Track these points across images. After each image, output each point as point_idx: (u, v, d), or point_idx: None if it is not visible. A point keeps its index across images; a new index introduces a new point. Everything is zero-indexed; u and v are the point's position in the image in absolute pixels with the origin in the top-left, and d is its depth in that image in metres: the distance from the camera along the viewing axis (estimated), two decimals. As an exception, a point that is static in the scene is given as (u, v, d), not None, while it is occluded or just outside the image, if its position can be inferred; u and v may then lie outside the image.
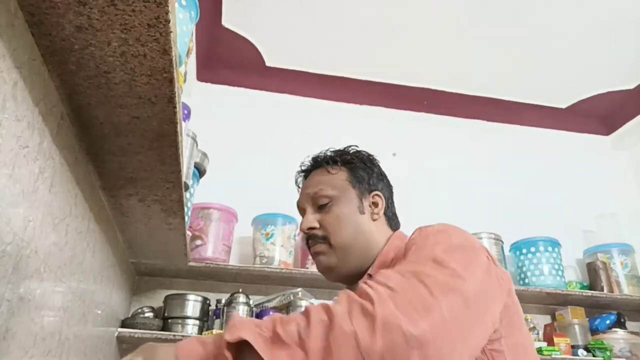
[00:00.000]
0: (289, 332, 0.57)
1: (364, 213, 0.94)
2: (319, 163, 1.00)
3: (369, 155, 1.02)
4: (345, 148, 1.01)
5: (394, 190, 1.02)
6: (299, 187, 1.03)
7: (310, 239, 0.94)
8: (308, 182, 0.99)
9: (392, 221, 0.99)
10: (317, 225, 0.92)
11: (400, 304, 0.58)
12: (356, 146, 1.02)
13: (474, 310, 0.64)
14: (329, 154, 1.00)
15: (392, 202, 1.01)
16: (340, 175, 0.96)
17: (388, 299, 0.59)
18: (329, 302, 0.62)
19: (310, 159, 1.02)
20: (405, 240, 0.85)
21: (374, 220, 0.94)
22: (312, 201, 0.95)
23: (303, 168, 1.03)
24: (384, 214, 0.97)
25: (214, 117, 2.53)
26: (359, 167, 0.97)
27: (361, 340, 0.55)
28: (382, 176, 1.01)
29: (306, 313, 0.60)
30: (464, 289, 0.63)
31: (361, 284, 0.65)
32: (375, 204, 0.96)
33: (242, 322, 0.60)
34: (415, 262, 0.69)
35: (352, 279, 0.92)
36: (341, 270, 0.91)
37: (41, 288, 0.85)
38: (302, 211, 0.98)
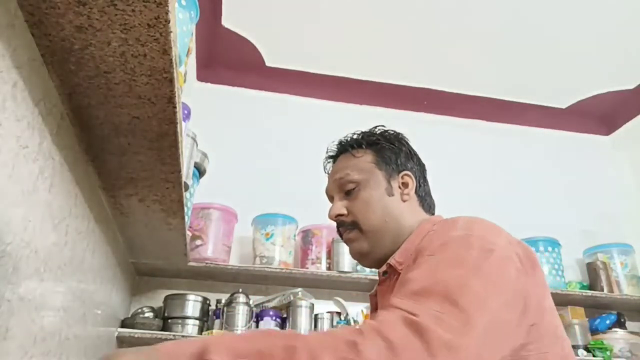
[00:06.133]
0: None
1: (393, 195, 0.90)
2: (344, 147, 0.96)
3: (397, 134, 0.98)
4: (371, 129, 0.97)
5: None
6: (327, 173, 1.00)
7: (340, 226, 0.92)
8: (334, 167, 0.97)
9: (425, 201, 0.95)
10: (345, 212, 0.90)
11: None
12: (383, 126, 0.98)
13: None
14: (354, 136, 0.97)
15: (425, 181, 0.98)
16: (366, 158, 0.93)
17: None
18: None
19: (336, 143, 0.99)
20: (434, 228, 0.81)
21: (404, 201, 0.91)
22: (339, 187, 0.93)
23: (330, 154, 1.00)
24: (416, 193, 0.93)
25: (214, 117, 2.53)
26: (386, 148, 0.94)
27: None
28: (411, 155, 0.97)
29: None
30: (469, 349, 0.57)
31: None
32: (405, 185, 0.92)
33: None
34: (421, 291, 0.63)
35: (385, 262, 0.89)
36: (375, 255, 0.89)
37: (41, 288, 0.85)
38: (330, 198, 0.96)
